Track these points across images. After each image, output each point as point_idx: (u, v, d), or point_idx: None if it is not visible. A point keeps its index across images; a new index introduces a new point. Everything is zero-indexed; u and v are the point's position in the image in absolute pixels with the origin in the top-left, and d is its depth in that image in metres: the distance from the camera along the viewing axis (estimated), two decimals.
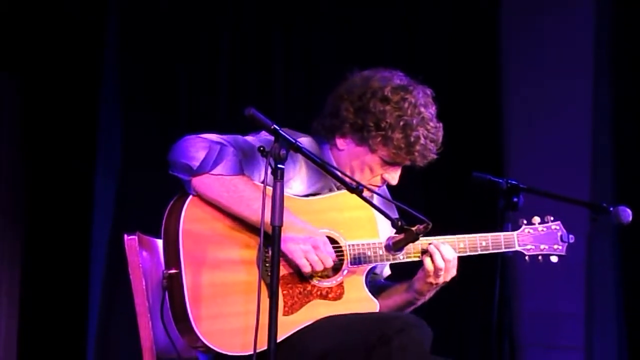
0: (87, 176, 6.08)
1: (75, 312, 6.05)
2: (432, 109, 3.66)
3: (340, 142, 3.67)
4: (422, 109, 3.61)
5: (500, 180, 3.80)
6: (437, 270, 3.57)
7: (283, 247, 3.42)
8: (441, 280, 3.61)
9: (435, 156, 3.67)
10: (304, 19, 6.26)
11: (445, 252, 3.57)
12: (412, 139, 3.58)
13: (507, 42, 6.36)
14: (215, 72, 6.12)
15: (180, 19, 6.10)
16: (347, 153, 3.66)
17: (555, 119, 6.24)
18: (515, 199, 3.78)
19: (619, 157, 6.03)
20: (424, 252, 3.58)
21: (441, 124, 3.67)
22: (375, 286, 3.78)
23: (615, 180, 6.02)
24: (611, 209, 3.81)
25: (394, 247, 3.55)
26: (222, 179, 3.43)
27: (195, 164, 3.41)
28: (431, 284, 3.62)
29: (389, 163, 3.65)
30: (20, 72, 6.18)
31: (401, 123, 3.57)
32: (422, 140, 3.59)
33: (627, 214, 3.79)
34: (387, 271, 3.87)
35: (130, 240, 3.57)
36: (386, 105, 3.59)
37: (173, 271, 3.41)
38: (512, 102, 6.32)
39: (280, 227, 3.20)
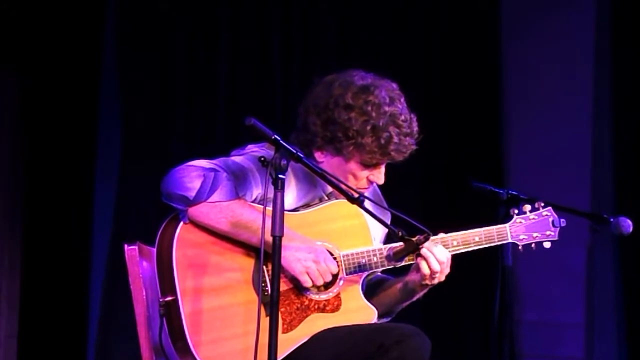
0: (87, 178, 6.08)
1: (75, 318, 6.04)
2: (400, 103, 3.58)
3: (318, 155, 3.63)
4: (387, 108, 3.54)
5: (501, 191, 3.80)
6: (432, 273, 3.55)
7: (283, 261, 3.41)
8: (436, 281, 3.59)
9: (414, 147, 3.60)
10: (304, 19, 6.25)
11: (439, 255, 3.54)
12: (383, 141, 3.52)
13: (507, 46, 6.35)
14: (214, 73, 6.11)
15: (179, 18, 6.10)
16: (327, 165, 3.61)
17: (556, 127, 6.24)
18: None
19: (620, 165, 6.03)
20: (418, 255, 3.55)
21: (414, 115, 3.60)
22: (371, 282, 3.77)
23: (615, 190, 6.01)
24: (612, 219, 3.80)
25: (394, 257, 3.55)
26: (219, 206, 3.42)
27: (192, 194, 3.40)
28: (426, 285, 3.61)
29: (369, 166, 3.61)
30: (19, 73, 6.16)
31: (368, 127, 3.51)
32: (394, 139, 3.53)
33: (628, 225, 3.78)
34: None
35: (131, 250, 3.56)
36: (350, 112, 3.53)
37: (169, 298, 3.41)
38: (512, 110, 6.31)
39: (280, 237, 3.20)
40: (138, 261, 3.55)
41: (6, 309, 6.08)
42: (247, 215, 3.42)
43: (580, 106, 6.16)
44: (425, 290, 3.67)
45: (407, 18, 6.30)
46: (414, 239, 3.42)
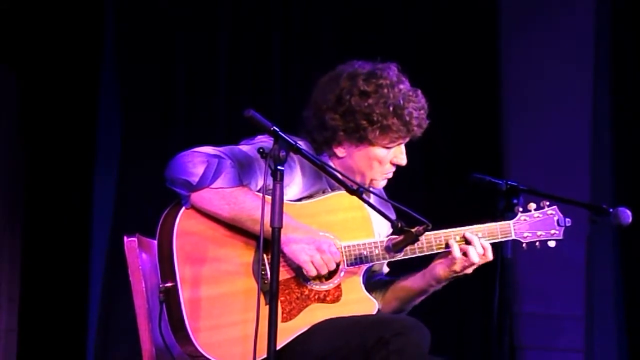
0: (87, 174, 6.09)
1: (75, 311, 6.05)
2: (406, 80, 3.66)
3: (338, 150, 3.66)
4: (400, 86, 3.61)
5: (500, 182, 3.80)
6: (471, 259, 3.58)
7: (287, 250, 3.44)
8: (469, 270, 3.63)
9: (428, 120, 3.66)
10: (304, 19, 6.25)
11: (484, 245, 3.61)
12: (408, 117, 3.58)
13: (506, 42, 6.36)
14: (214, 72, 6.12)
15: (178, 18, 6.10)
16: (350, 157, 3.65)
17: (555, 120, 6.25)
18: (515, 201, 3.78)
19: (619, 158, 6.03)
20: (467, 242, 3.60)
21: (419, 89, 3.67)
22: (380, 282, 3.79)
23: (614, 182, 6.02)
24: (611, 210, 3.79)
25: (393, 248, 3.55)
26: (222, 192, 3.43)
27: (195, 179, 3.41)
28: (455, 271, 3.64)
29: (391, 148, 3.64)
30: (19, 71, 6.17)
31: (390, 108, 3.57)
32: (415, 114, 3.60)
33: (627, 216, 3.77)
34: (385, 268, 3.87)
35: (130, 242, 3.57)
36: (367, 98, 3.57)
37: (169, 284, 3.41)
38: (511, 103, 6.33)
39: (279, 228, 3.20)
40: (137, 253, 3.56)
41: (6, 303, 6.09)
42: (250, 203, 3.42)
43: (580, 98, 6.17)
44: (447, 281, 3.68)
45: (408, 16, 6.31)
46: (413, 230, 3.42)
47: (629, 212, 3.78)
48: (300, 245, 3.45)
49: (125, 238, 3.58)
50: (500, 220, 3.73)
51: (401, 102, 3.57)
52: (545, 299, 6.13)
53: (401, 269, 3.81)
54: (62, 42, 6.09)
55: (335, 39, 6.26)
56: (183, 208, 3.45)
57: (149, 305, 3.54)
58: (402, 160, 3.68)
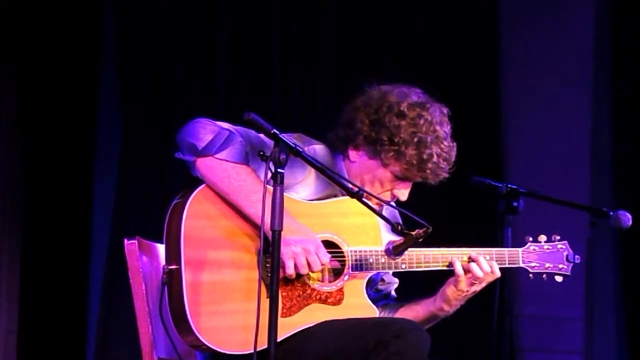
0: (87, 175, 6.09)
1: (75, 313, 6.05)
2: (447, 128, 3.67)
3: (352, 153, 3.67)
4: (437, 127, 3.62)
5: (500, 185, 3.81)
6: (475, 274, 3.59)
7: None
8: (477, 288, 3.63)
9: (447, 175, 3.67)
10: (304, 19, 6.25)
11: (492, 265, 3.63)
12: (425, 157, 3.59)
13: (506, 44, 6.36)
14: (214, 72, 6.12)
15: (178, 17, 6.10)
16: (358, 165, 3.66)
17: (555, 120, 6.24)
18: (515, 203, 3.79)
19: (619, 161, 6.03)
20: (470, 260, 3.61)
21: (455, 144, 3.68)
22: (388, 305, 3.80)
23: (614, 185, 6.01)
24: (611, 213, 3.80)
25: (393, 251, 3.53)
26: (225, 164, 3.44)
27: (201, 144, 3.44)
28: (462, 291, 3.64)
29: (399, 178, 3.65)
30: (19, 72, 6.17)
31: (415, 139, 3.58)
32: (434, 159, 3.60)
33: (627, 219, 3.78)
34: (393, 293, 3.88)
35: (131, 245, 3.56)
36: (402, 120, 3.59)
37: (173, 267, 3.41)
38: (511, 106, 6.32)
39: (280, 231, 3.19)
40: (138, 256, 3.55)
41: (6, 305, 6.09)
42: (250, 184, 3.43)
43: (580, 100, 6.17)
44: (457, 304, 3.70)
45: (407, 17, 6.31)
46: (413, 233, 3.42)
47: (629, 215, 3.78)
48: (287, 242, 3.42)
49: (125, 241, 3.58)
50: (500, 224, 3.73)
51: (428, 140, 3.58)
52: (546, 301, 6.13)
53: (409, 296, 3.82)
54: (62, 41, 6.10)
55: (335, 39, 6.26)
56: (193, 194, 3.45)
57: (149, 308, 3.54)
58: (402, 196, 3.69)
